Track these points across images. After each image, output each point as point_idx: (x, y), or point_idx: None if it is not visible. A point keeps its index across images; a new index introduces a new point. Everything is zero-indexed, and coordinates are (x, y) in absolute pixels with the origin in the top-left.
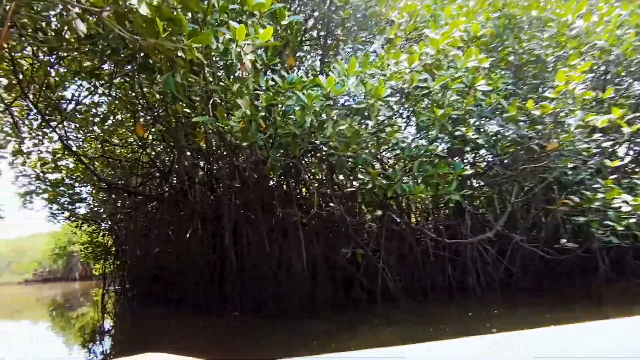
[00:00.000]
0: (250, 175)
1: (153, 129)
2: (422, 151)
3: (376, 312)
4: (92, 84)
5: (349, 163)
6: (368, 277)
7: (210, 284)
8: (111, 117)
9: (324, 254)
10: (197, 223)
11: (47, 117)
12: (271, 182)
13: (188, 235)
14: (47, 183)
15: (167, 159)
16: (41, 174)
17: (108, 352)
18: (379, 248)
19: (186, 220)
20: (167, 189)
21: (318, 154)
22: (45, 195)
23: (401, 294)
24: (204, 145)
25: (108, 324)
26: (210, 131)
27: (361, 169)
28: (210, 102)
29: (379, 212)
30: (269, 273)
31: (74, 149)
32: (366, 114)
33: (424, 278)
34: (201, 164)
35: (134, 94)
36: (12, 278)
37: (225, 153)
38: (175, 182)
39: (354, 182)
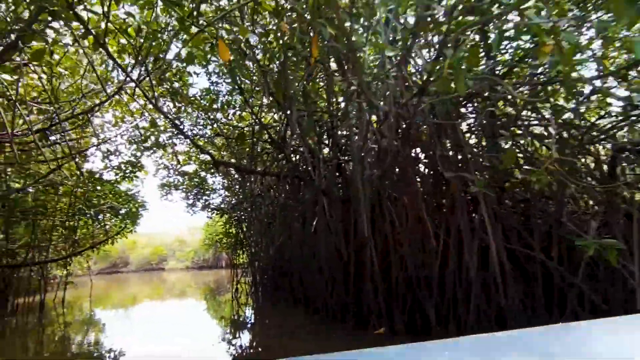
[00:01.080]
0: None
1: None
2: None
3: None
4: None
5: None
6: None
7: (344, 284)
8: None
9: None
10: (323, 208)
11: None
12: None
13: (314, 223)
14: (184, 175)
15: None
16: (178, 166)
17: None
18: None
19: (311, 205)
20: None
21: None
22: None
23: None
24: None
25: (241, 316)
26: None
27: None
28: None
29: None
30: (431, 276)
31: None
32: None
33: None
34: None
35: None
36: (176, 265)
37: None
38: (296, 159)
39: None
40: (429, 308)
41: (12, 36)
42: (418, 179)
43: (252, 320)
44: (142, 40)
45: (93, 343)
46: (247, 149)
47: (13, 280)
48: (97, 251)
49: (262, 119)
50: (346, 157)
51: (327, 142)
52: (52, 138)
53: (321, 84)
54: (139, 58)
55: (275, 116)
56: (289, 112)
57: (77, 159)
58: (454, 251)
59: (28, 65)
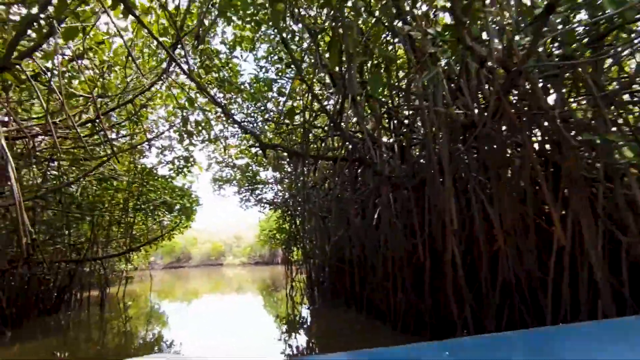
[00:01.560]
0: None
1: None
2: None
3: None
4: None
5: None
6: None
7: (416, 287)
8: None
9: None
10: (388, 198)
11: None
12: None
13: (377, 216)
14: (236, 169)
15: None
16: (229, 160)
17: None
18: None
19: (373, 194)
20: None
21: None
22: (235, 182)
23: None
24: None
25: (296, 315)
26: None
27: None
28: None
29: None
30: (542, 279)
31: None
32: None
33: None
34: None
35: None
36: (233, 260)
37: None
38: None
39: None
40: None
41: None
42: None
43: (308, 321)
44: (184, 18)
45: (152, 336)
46: (298, 130)
47: (76, 275)
48: (155, 247)
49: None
50: (414, 137)
51: (389, 121)
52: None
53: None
54: (181, 38)
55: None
56: (346, 75)
57: (124, 154)
58: (571, 247)
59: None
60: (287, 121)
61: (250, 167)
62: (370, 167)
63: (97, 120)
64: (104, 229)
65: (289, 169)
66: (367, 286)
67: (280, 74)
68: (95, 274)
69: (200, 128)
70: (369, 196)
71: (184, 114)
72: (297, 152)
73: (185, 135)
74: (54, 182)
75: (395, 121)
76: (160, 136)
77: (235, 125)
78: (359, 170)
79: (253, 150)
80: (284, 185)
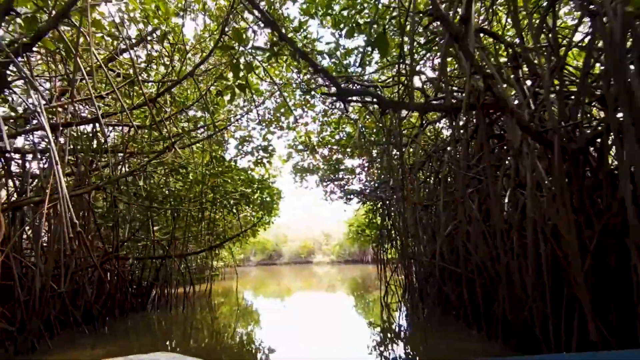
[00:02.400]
0: None
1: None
2: None
3: None
4: None
5: None
6: None
7: (572, 304)
8: None
9: None
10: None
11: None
12: None
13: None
14: (319, 159)
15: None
16: (310, 144)
17: None
18: None
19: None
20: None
21: None
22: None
23: None
24: None
25: (392, 323)
26: None
27: None
28: None
29: None
30: None
31: None
32: None
33: None
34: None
35: None
36: (322, 258)
37: None
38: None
39: None
40: None
41: None
42: None
43: (406, 334)
44: None
45: (240, 335)
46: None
47: (161, 271)
48: (246, 244)
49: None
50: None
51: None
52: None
53: None
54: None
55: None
56: None
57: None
58: None
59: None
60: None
61: (334, 154)
62: (512, 116)
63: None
64: (186, 225)
65: (376, 153)
66: (494, 300)
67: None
68: (181, 271)
69: (278, 115)
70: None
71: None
72: (390, 101)
73: (261, 121)
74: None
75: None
76: (234, 122)
77: (322, 104)
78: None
79: (337, 137)
80: (374, 172)
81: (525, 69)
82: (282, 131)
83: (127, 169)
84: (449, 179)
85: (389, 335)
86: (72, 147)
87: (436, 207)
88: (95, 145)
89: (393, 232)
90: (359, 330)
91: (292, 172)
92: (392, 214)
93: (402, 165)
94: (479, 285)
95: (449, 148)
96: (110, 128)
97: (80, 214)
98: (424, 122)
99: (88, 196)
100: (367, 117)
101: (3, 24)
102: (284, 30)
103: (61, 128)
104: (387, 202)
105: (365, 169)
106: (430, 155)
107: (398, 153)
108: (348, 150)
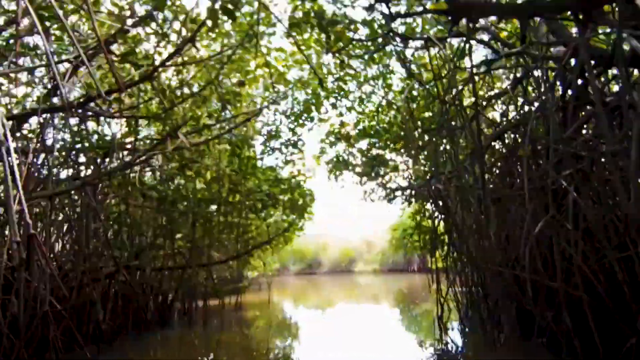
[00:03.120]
0: None
1: None
2: None
3: None
4: None
5: None
6: None
7: None
8: None
9: None
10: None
11: None
12: None
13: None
14: (356, 153)
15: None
16: (347, 136)
17: None
18: None
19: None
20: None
21: None
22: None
23: None
24: None
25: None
26: None
27: None
28: None
29: None
30: None
31: None
32: None
33: None
34: None
35: None
36: (364, 267)
37: None
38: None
39: None
40: None
41: None
42: None
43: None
44: None
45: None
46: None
47: (183, 283)
48: (283, 251)
49: None
50: None
51: None
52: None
53: None
54: None
55: None
56: None
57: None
58: None
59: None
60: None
61: (373, 146)
62: None
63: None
64: (205, 230)
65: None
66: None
67: None
68: (203, 283)
69: (310, 104)
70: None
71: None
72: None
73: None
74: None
75: None
76: (258, 113)
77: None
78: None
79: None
80: (420, 167)
81: None
82: (313, 123)
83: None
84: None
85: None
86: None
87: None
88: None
89: (448, 235)
90: (410, 350)
91: (325, 168)
92: (457, 208)
93: (476, 135)
94: (588, 306)
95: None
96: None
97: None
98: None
99: (92, 198)
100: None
101: None
102: None
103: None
104: (444, 194)
105: (410, 162)
106: (505, 129)
107: (465, 122)
108: (389, 144)
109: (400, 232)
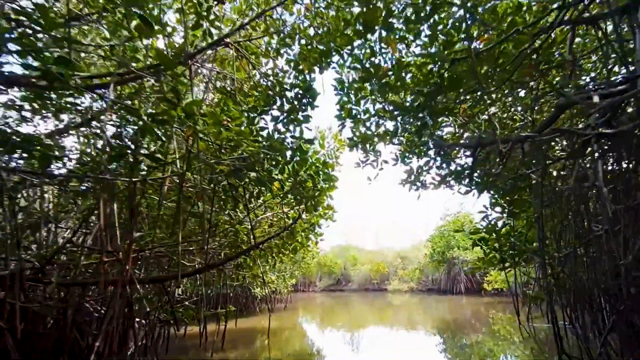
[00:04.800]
0: None
1: None
2: None
3: None
4: None
5: None
6: None
7: None
8: None
9: None
10: None
11: None
12: None
13: None
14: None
15: None
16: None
17: None
18: None
19: None
20: None
21: None
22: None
23: None
24: None
25: None
26: None
27: None
28: None
29: None
30: None
31: None
32: None
33: None
34: None
35: None
36: (399, 285)
37: None
38: None
39: None
40: None
41: None
42: None
43: None
44: None
45: None
46: None
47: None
48: (308, 267)
49: None
50: None
51: None
52: None
53: None
54: None
55: None
56: None
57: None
58: None
59: None
60: None
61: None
62: None
63: None
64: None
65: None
66: None
67: None
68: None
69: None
70: None
71: None
72: None
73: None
74: None
75: None
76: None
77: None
78: None
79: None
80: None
81: None
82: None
83: None
84: None
85: None
86: None
87: None
88: None
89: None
90: None
91: (346, 143)
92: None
93: None
94: None
95: None
96: None
97: None
98: None
99: None
100: None
101: None
102: None
103: None
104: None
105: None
106: None
107: None
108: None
109: (443, 243)
